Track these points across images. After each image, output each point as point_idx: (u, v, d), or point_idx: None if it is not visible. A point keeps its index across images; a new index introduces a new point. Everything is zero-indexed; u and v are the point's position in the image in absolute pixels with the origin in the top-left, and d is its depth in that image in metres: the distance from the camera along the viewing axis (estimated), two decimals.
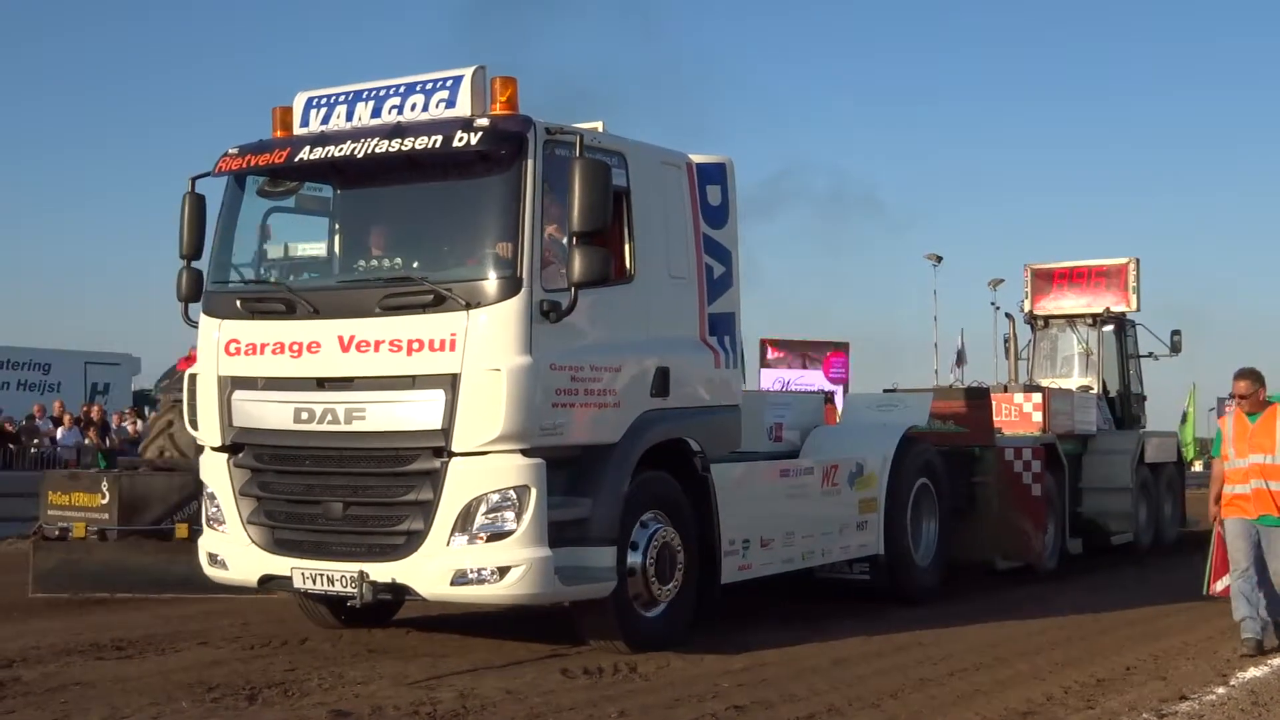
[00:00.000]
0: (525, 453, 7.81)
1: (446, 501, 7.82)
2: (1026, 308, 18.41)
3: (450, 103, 8.27)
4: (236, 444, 8.65)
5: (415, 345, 7.96)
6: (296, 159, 8.53)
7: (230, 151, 8.84)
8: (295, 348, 8.37)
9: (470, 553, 7.79)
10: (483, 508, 7.78)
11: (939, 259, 30.78)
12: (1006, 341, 18.17)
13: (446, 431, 7.82)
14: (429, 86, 8.37)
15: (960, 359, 26.00)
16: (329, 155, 8.42)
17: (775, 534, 10.08)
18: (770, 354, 29.71)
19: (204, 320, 8.86)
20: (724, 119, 54.47)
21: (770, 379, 27.91)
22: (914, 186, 69.23)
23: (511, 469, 7.79)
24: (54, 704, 7.17)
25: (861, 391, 13.67)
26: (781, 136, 64.65)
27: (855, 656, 9.19)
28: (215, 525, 8.78)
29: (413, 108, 8.39)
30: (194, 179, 9.07)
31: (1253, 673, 8.62)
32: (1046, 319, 18.32)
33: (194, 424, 8.85)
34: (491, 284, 7.88)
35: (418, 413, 7.93)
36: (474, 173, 8.23)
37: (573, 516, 8.14)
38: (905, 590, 11.91)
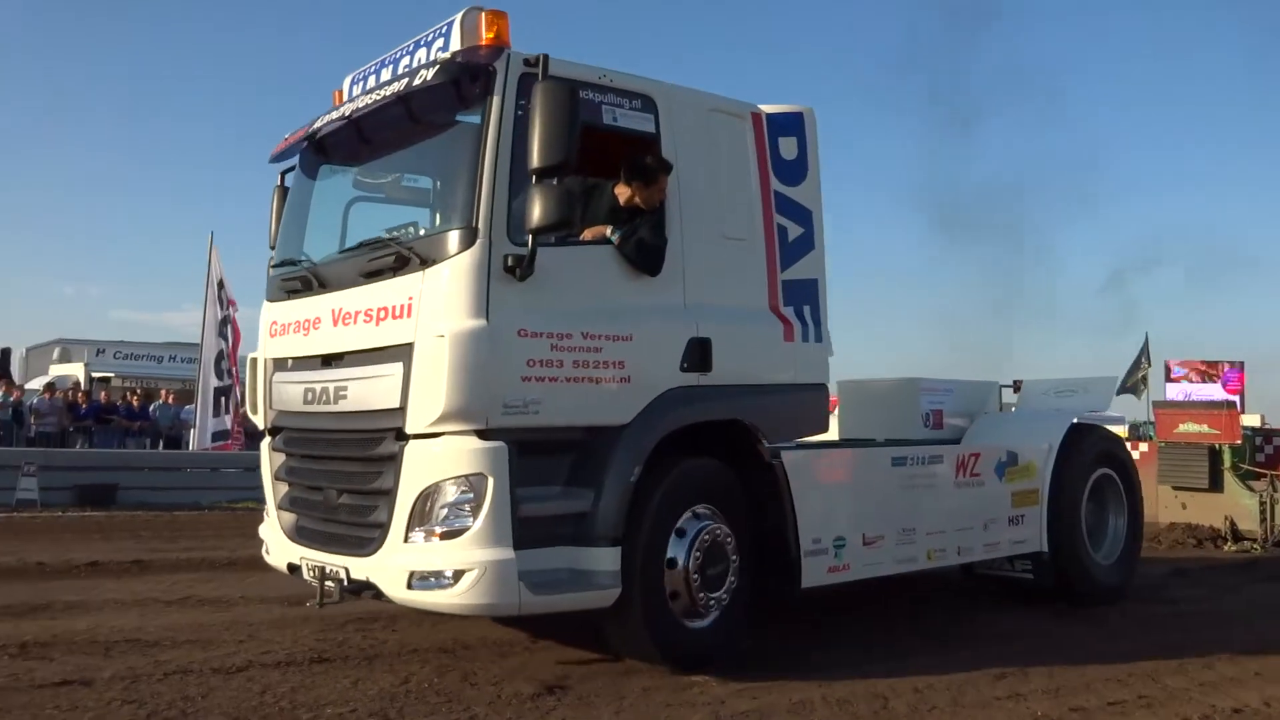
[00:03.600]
0: (482, 434, 4.87)
1: (403, 491, 4.98)
2: None
3: (445, 49, 5.47)
4: (275, 427, 6.24)
5: (382, 313, 5.21)
6: (309, 132, 6.03)
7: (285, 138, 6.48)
8: (305, 325, 5.84)
9: (425, 551, 4.90)
10: (438, 499, 4.87)
11: None
12: None
13: (404, 410, 5.02)
14: (429, 37, 5.61)
15: None
16: (328, 123, 5.89)
17: (885, 530, 6.52)
18: (1174, 371, 27.18)
19: (263, 305, 6.52)
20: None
21: (1175, 391, 25.50)
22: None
23: (464, 454, 4.84)
24: None
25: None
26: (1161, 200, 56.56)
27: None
28: (266, 512, 6.38)
29: (418, 62, 5.68)
30: (282, 174, 6.78)
31: None
32: None
33: (253, 407, 6.50)
34: (446, 237, 5.00)
35: (381, 389, 5.14)
36: (446, 115, 5.39)
37: (569, 510, 5.10)
38: (1076, 590, 7.84)
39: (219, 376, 17.15)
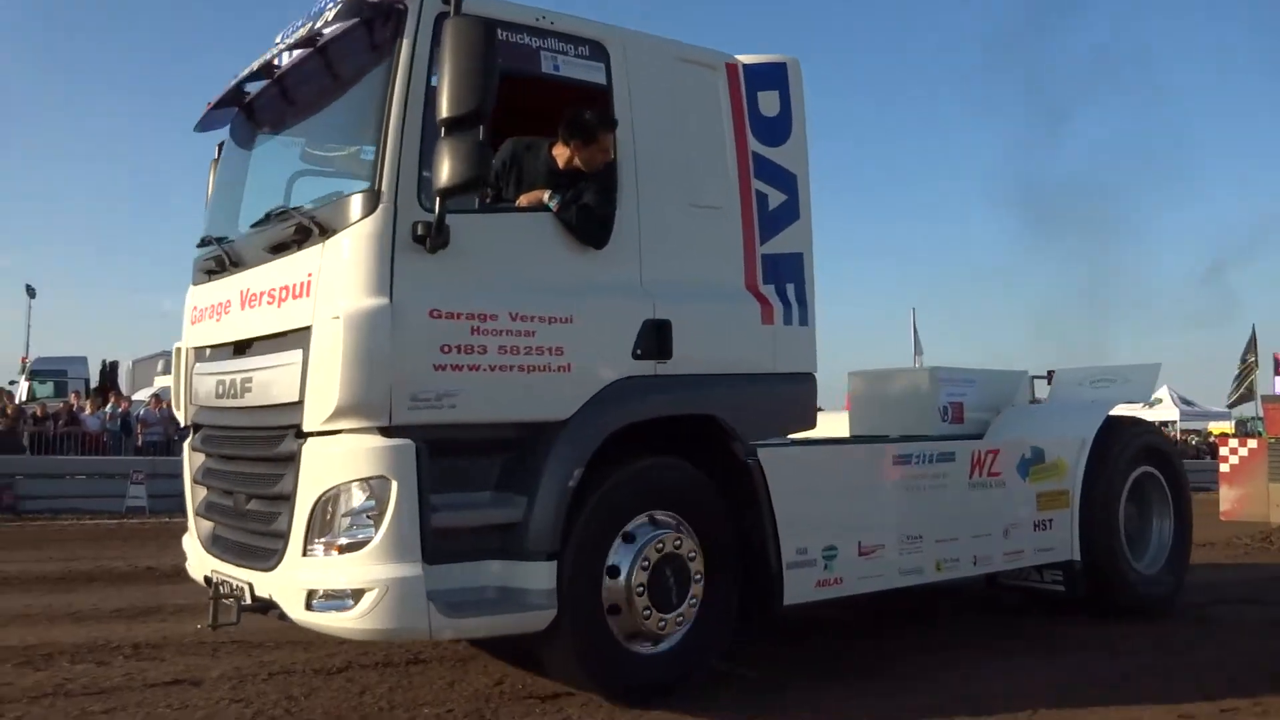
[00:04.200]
0: (387, 432, 4.16)
1: (301, 497, 4.28)
2: None
3: None
4: (196, 424, 5.60)
5: (283, 293, 4.53)
6: (224, 93, 5.39)
7: None
8: (219, 309, 5.20)
9: (325, 567, 4.20)
10: (338, 507, 4.17)
11: None
12: None
13: (302, 404, 4.33)
14: None
15: None
16: (240, 81, 5.25)
17: (885, 538, 5.70)
18: None
19: (189, 290, 5.86)
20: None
21: None
22: None
23: (363, 455, 4.13)
24: None
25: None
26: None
27: None
28: (189, 520, 5.72)
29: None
30: (220, 145, 6.13)
31: None
32: None
33: (176, 402, 5.86)
34: (346, 203, 4.29)
35: (283, 380, 4.45)
36: (358, 63, 4.66)
37: (497, 520, 4.38)
38: (1114, 603, 6.98)
39: None
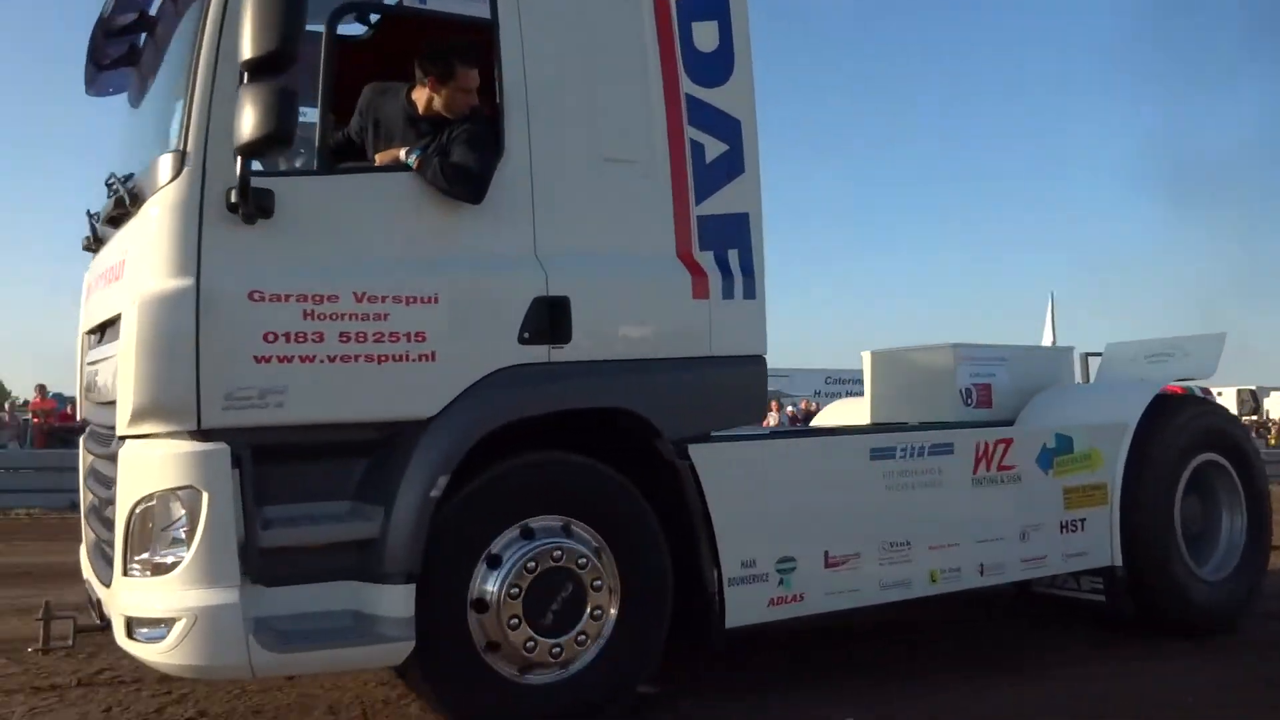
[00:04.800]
0: (199, 435, 3.55)
1: (119, 508, 3.70)
2: None
3: None
4: (85, 419, 5.12)
5: (111, 273, 4.02)
6: (90, 43, 4.85)
7: None
8: (88, 291, 4.72)
9: (141, 590, 3.61)
10: (152, 521, 3.57)
11: None
12: None
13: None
14: None
15: None
16: (104, 32, 4.71)
17: (861, 546, 4.85)
18: None
19: None
20: None
21: None
22: None
23: (170, 461, 3.52)
24: None
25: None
26: None
27: None
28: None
29: None
30: None
31: None
32: None
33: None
34: (154, 167, 3.67)
35: (107, 373, 3.94)
36: (188, 12, 4.06)
37: (348, 536, 3.75)
38: (1167, 614, 5.98)
39: None
